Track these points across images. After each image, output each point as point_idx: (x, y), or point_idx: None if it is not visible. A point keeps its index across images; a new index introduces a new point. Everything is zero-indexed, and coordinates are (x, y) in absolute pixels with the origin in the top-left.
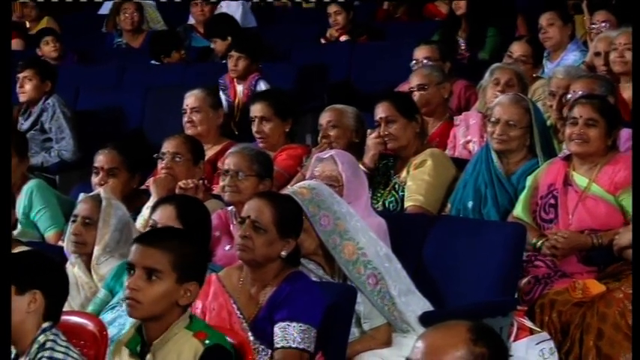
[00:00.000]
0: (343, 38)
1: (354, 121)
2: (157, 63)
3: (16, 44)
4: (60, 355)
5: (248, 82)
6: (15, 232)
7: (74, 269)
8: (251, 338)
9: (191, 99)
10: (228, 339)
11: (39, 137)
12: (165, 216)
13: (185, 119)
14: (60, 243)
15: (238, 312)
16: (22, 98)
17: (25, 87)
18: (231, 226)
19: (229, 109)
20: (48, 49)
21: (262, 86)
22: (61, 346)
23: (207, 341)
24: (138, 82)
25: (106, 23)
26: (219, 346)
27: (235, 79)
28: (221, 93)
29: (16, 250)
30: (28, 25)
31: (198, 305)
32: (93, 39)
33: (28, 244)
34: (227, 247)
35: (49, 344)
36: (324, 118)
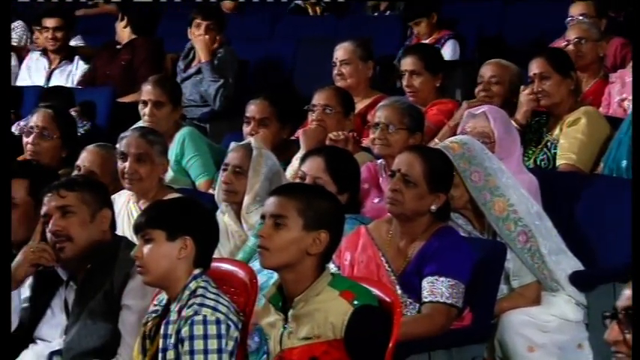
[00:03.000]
0: None
1: (516, 78)
2: (299, 2)
3: None
4: (210, 302)
5: (436, 38)
6: (166, 179)
7: (224, 217)
8: (399, 292)
9: (341, 51)
10: (376, 291)
11: (198, 84)
12: (314, 167)
13: (335, 72)
14: (211, 191)
15: (387, 265)
16: (204, 58)
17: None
18: (381, 179)
19: None
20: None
21: (450, 47)
22: (212, 293)
23: (355, 302)
24: (289, 33)
25: None
26: (368, 306)
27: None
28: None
29: (168, 196)
30: None
31: (347, 257)
32: None
33: (180, 191)
34: (376, 200)
35: (200, 291)
36: (488, 71)
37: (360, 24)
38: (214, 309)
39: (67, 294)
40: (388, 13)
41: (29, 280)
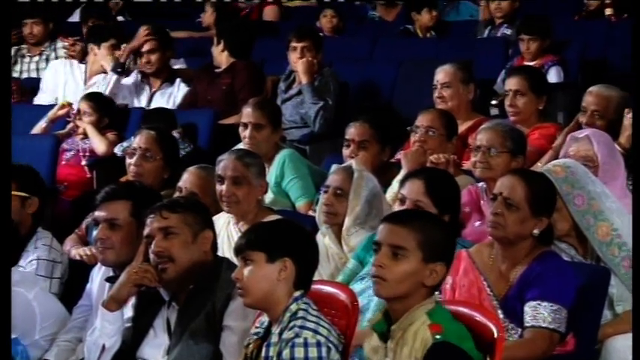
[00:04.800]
0: (608, 12)
1: (621, 103)
2: (408, 26)
3: (272, 14)
4: (311, 325)
5: (540, 64)
6: (266, 201)
7: (325, 239)
8: (501, 316)
9: (441, 74)
10: (479, 316)
11: (299, 106)
12: (413, 190)
13: (435, 94)
14: (310, 213)
15: (488, 289)
16: (305, 80)
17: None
18: (482, 202)
19: None
20: (325, 21)
21: (554, 73)
22: (313, 315)
23: (438, 336)
24: (390, 54)
25: None
26: (448, 344)
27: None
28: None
29: (267, 218)
30: None
31: (448, 281)
32: (347, 10)
33: (279, 213)
34: (477, 224)
35: (300, 313)
36: (591, 104)
37: (461, 46)
38: (315, 331)
39: (169, 314)
40: (505, 27)
41: (132, 301)
